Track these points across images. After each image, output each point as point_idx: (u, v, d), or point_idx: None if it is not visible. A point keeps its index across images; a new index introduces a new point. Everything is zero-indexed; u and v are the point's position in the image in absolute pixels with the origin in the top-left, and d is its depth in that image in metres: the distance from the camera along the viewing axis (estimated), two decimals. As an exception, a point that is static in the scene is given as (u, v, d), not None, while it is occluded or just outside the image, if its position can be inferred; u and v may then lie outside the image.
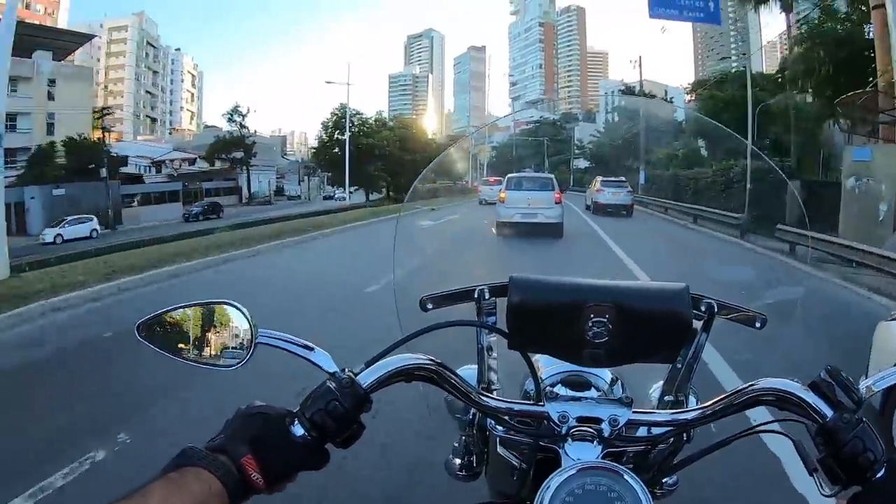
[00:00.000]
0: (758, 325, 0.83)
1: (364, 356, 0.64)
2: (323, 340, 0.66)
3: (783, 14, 27.06)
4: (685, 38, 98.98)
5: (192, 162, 47.04)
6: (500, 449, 0.84)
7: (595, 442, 0.66)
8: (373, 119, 47.19)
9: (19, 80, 29.66)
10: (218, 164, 45.43)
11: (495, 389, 0.86)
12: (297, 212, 28.06)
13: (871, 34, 15.85)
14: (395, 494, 2.47)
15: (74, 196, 29.39)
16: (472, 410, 0.90)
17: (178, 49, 71.41)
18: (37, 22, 40.01)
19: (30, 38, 29.22)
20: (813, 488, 0.61)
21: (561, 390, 0.86)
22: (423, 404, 0.99)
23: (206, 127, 61.89)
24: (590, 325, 0.73)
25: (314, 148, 48.86)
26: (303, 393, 0.62)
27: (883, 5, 12.61)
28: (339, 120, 43.52)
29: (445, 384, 0.67)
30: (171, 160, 46.77)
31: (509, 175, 7.26)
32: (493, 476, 0.95)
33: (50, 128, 34.70)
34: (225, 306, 0.65)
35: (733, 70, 42.10)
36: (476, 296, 0.85)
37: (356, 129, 43.39)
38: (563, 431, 0.67)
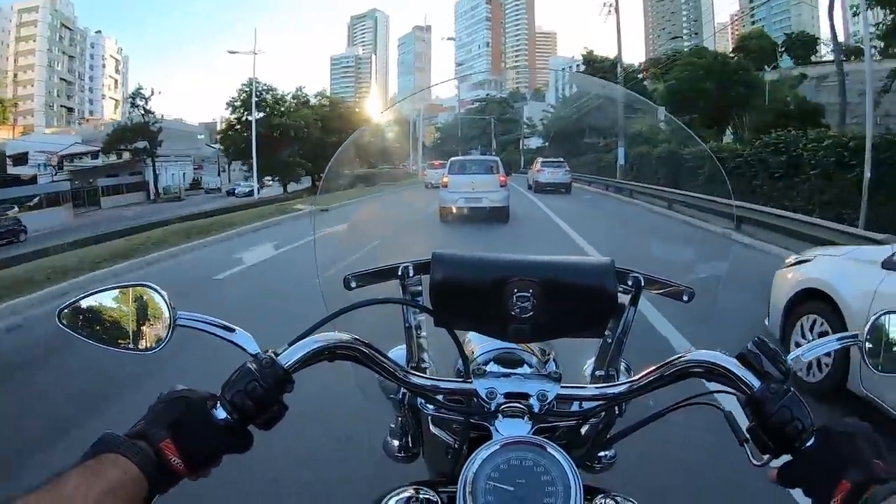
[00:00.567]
0: (685, 298, 0.84)
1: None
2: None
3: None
4: (636, 17, 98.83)
5: (95, 155, 41.53)
6: (433, 428, 0.83)
7: (525, 418, 0.66)
8: (290, 95, 41.29)
9: None
10: (118, 157, 40.45)
11: (426, 368, 0.86)
12: (180, 213, 20.80)
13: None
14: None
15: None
16: (403, 390, 0.85)
17: (98, 31, 64.89)
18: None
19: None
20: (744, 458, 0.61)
21: (492, 367, 0.84)
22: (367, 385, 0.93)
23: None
24: (514, 300, 0.73)
25: (220, 132, 41.31)
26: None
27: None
28: (250, 98, 36.65)
29: (370, 363, 0.67)
30: (73, 155, 41.23)
31: (452, 158, 7.20)
32: (429, 455, 0.95)
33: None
34: (143, 289, 0.64)
35: (685, 49, 40.95)
36: (400, 273, 0.84)
37: (268, 107, 37.75)
38: (493, 408, 0.67)
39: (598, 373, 0.83)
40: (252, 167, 34.28)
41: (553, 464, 0.58)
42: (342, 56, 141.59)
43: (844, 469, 0.54)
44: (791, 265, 3.64)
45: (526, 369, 0.87)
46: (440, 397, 0.72)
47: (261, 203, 23.92)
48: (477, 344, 0.93)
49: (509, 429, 0.65)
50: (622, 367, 0.83)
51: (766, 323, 3.61)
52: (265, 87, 39.22)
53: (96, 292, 0.64)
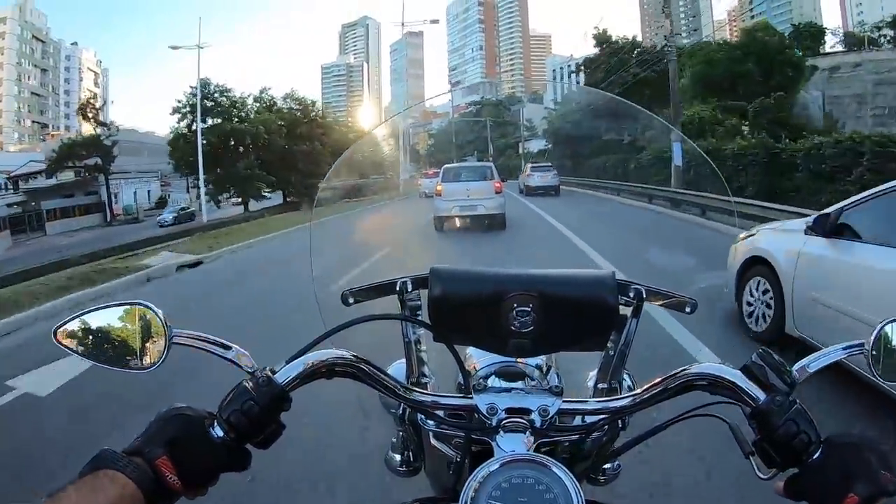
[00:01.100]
0: (688, 310, 0.84)
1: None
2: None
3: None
4: (632, 15, 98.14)
5: (52, 174, 37.23)
6: (434, 443, 0.82)
7: (527, 433, 0.67)
8: (249, 97, 36.29)
9: None
10: (76, 175, 37.22)
11: (426, 383, 0.87)
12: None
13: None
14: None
15: None
16: (402, 405, 0.85)
17: (74, 43, 63.21)
18: None
19: None
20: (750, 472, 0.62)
21: (493, 381, 0.84)
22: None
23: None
24: (514, 314, 0.72)
25: (169, 143, 35.46)
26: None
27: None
28: (205, 100, 32.38)
29: (369, 379, 0.68)
30: (28, 174, 38.03)
31: (446, 166, 7.12)
32: (431, 470, 0.95)
33: None
34: (139, 307, 0.65)
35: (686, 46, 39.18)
36: (398, 288, 0.84)
37: (222, 112, 33.39)
38: (494, 424, 0.68)
39: (600, 386, 0.83)
40: (216, 180, 30.65)
41: (555, 481, 0.59)
42: (333, 64, 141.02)
43: (852, 482, 0.54)
44: (742, 239, 4.26)
45: (527, 383, 0.84)
46: (441, 413, 0.72)
47: (208, 228, 19.19)
48: (478, 358, 0.90)
49: (511, 444, 0.65)
50: (625, 379, 0.83)
51: (725, 290, 4.00)
52: (219, 88, 34.58)
53: (92, 310, 0.65)
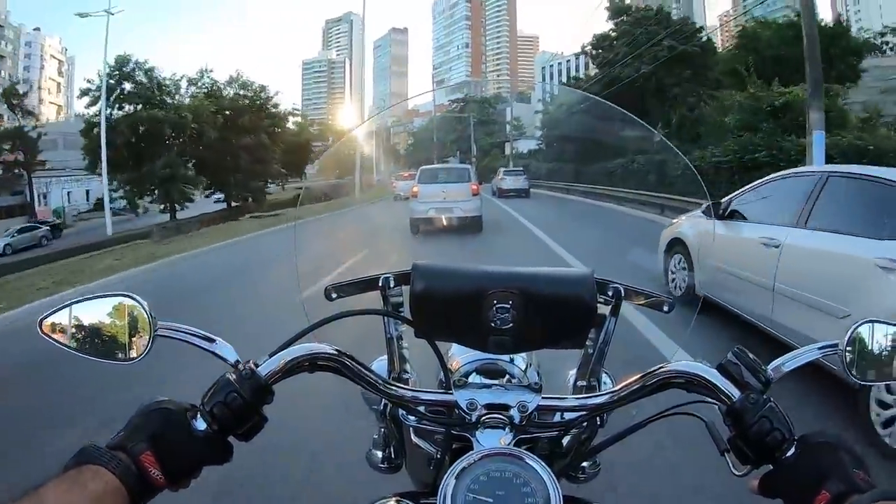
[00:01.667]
0: (665, 308, 0.86)
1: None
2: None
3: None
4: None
5: None
6: (415, 439, 0.85)
7: (506, 429, 0.69)
8: (183, 80, 30.43)
9: None
10: (3, 171, 32.25)
11: (408, 379, 0.89)
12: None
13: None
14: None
15: None
16: (384, 401, 0.87)
17: (36, 29, 59.29)
18: None
19: None
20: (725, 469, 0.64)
21: (474, 378, 0.86)
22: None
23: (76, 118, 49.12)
24: (494, 311, 0.74)
25: (81, 133, 29.30)
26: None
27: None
28: (120, 82, 26.71)
29: (351, 374, 0.69)
30: None
31: (422, 167, 6.02)
32: (412, 466, 0.97)
33: None
34: (124, 299, 0.66)
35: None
36: (381, 284, 0.86)
37: (142, 96, 27.27)
38: (474, 419, 0.69)
39: (579, 383, 0.86)
40: (140, 181, 25.58)
41: (532, 475, 0.60)
42: (314, 60, 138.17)
43: (824, 479, 0.55)
44: (669, 226, 5.70)
45: (508, 380, 0.88)
46: (421, 408, 0.73)
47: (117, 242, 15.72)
48: (459, 356, 0.93)
49: (490, 440, 0.67)
50: (604, 377, 0.86)
51: (657, 267, 5.14)
52: (140, 67, 28.29)
53: (77, 302, 0.65)
